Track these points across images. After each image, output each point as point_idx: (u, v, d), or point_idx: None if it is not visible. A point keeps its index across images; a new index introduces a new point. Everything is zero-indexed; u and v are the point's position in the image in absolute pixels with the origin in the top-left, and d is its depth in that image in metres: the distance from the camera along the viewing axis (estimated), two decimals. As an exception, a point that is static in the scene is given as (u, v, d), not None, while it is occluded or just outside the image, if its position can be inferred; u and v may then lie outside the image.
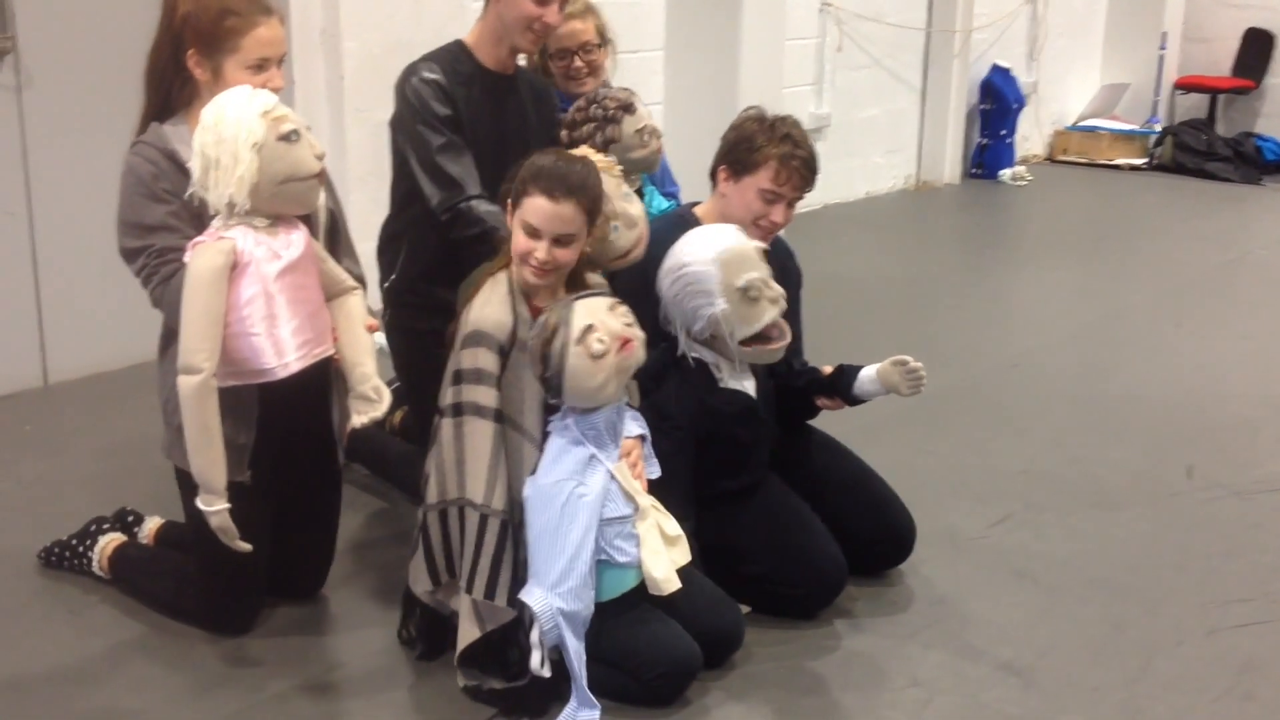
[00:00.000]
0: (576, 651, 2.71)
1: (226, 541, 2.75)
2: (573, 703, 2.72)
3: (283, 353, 2.73)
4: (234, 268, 2.67)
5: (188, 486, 2.95)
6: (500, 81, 3.51)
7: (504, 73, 3.53)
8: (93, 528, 3.33)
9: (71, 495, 3.76)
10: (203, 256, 2.66)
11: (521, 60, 3.68)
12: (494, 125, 3.47)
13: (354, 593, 3.29)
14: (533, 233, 2.79)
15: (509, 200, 2.87)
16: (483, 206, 3.31)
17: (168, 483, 3.05)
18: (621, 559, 2.79)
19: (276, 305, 2.71)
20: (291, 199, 2.74)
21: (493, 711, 2.76)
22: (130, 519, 3.44)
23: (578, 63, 3.87)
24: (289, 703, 2.82)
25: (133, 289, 2.96)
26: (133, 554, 3.27)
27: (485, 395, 2.77)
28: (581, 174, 2.84)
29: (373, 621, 3.15)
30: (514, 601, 2.75)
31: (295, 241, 2.77)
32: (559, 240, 2.79)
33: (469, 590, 2.76)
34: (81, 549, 3.29)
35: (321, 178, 2.79)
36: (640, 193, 3.57)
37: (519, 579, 2.77)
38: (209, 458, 2.69)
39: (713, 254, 3.00)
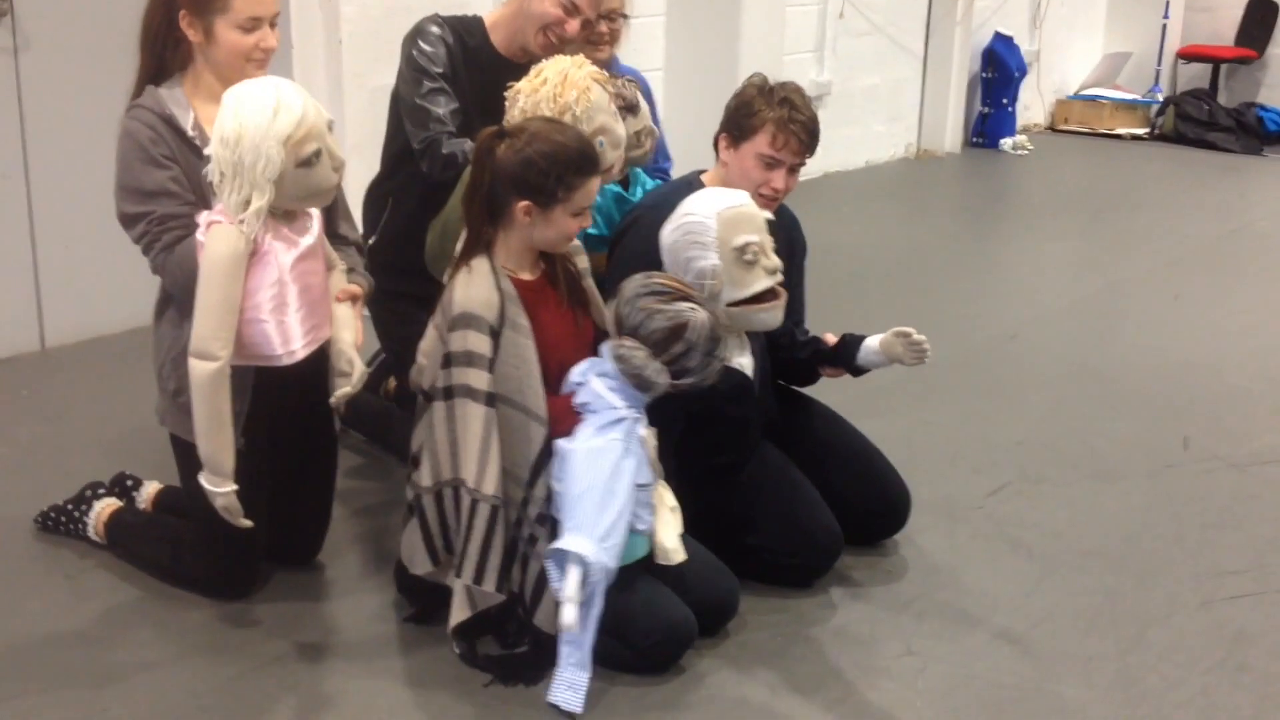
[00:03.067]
0: (601, 612, 2.70)
1: (231, 520, 2.76)
2: (573, 664, 2.69)
3: (289, 340, 2.74)
4: (252, 254, 2.66)
5: (183, 453, 2.96)
6: (504, 66, 3.50)
7: (510, 58, 3.52)
8: (88, 493, 3.33)
9: (69, 459, 3.76)
10: (223, 242, 2.64)
11: None
12: (483, 102, 3.45)
13: (350, 558, 3.29)
14: (581, 212, 2.83)
15: (540, 197, 2.77)
16: (454, 141, 3.34)
17: (165, 447, 3.05)
18: (640, 526, 2.79)
19: (288, 294, 2.72)
20: (307, 203, 2.76)
21: (488, 678, 2.77)
22: (129, 483, 3.44)
23: (602, 27, 3.86)
24: (285, 667, 2.82)
25: (130, 253, 2.95)
26: (129, 519, 3.27)
27: (476, 378, 2.74)
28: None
29: (369, 587, 3.16)
30: (502, 586, 2.75)
31: (310, 228, 2.78)
32: None
33: (459, 574, 2.76)
34: (77, 514, 3.29)
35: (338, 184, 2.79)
36: (626, 179, 3.56)
37: (508, 562, 2.77)
38: (219, 442, 2.69)
39: (716, 208, 2.98)
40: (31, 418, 4.16)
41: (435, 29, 3.46)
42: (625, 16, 3.96)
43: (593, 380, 2.79)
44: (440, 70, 3.41)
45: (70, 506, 3.32)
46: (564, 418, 2.79)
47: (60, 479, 3.50)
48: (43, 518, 3.36)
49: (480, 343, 2.74)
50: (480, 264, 2.80)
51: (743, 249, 2.95)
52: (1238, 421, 4.46)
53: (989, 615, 3.13)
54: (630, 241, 3.24)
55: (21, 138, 4.59)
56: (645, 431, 2.80)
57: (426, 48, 3.43)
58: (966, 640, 3.02)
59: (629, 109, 3.36)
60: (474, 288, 2.76)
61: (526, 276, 2.85)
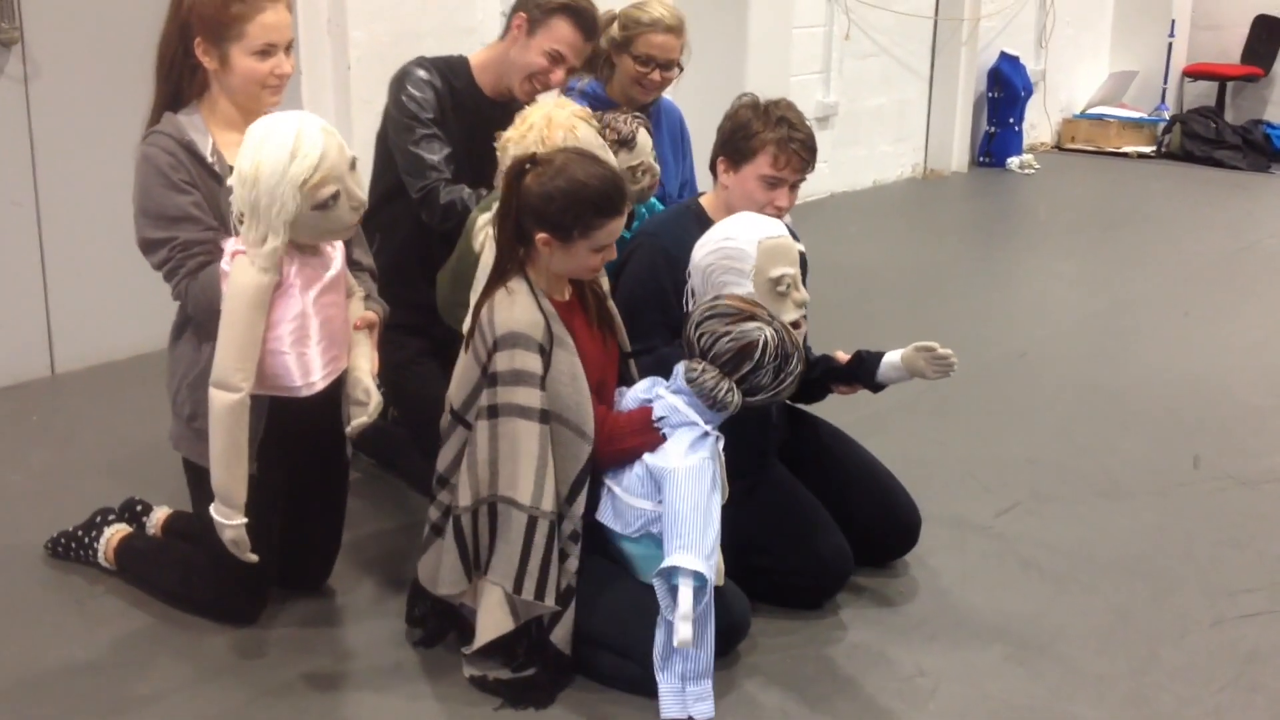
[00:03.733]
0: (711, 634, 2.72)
1: (237, 554, 2.76)
2: (692, 678, 2.71)
3: (309, 372, 2.75)
4: (275, 287, 2.67)
5: (196, 478, 2.97)
6: (491, 107, 3.51)
7: (496, 99, 3.54)
8: (98, 519, 3.33)
9: (79, 485, 3.77)
10: (248, 273, 2.64)
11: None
12: (470, 145, 3.47)
13: (361, 583, 3.29)
14: (603, 249, 2.82)
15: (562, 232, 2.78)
16: (451, 189, 3.37)
17: (175, 472, 3.06)
18: None
19: (310, 326, 2.73)
20: (324, 239, 2.76)
21: (499, 702, 2.77)
22: (139, 508, 3.44)
23: (656, 75, 3.87)
24: (296, 693, 2.82)
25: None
26: (139, 545, 3.27)
27: (528, 396, 2.72)
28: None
29: (379, 612, 3.15)
30: (563, 599, 2.76)
31: (334, 260, 2.79)
32: None
33: (518, 591, 2.73)
34: (87, 540, 3.29)
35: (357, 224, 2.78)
36: (632, 215, 3.57)
37: (559, 575, 2.77)
38: (234, 474, 2.69)
39: (757, 237, 2.98)
40: (42, 443, 4.18)
41: (422, 73, 3.47)
42: (680, 68, 3.96)
43: (668, 396, 2.81)
44: (430, 115, 3.42)
45: (80, 532, 3.32)
46: (636, 432, 2.81)
47: (71, 504, 3.50)
48: (52, 544, 3.36)
49: (531, 361, 2.73)
50: (519, 285, 2.79)
51: (778, 280, 2.97)
52: (1248, 439, 4.45)
53: (1000, 635, 3.12)
54: (633, 268, 3.25)
55: (31, 165, 4.61)
56: (721, 458, 2.82)
57: (415, 92, 3.43)
58: (978, 660, 3.01)
59: (623, 144, 3.35)
60: (517, 308, 2.76)
61: (558, 298, 2.86)
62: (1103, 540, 3.64)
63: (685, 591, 2.62)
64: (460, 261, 3.19)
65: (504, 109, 3.44)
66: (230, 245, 2.71)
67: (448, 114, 3.45)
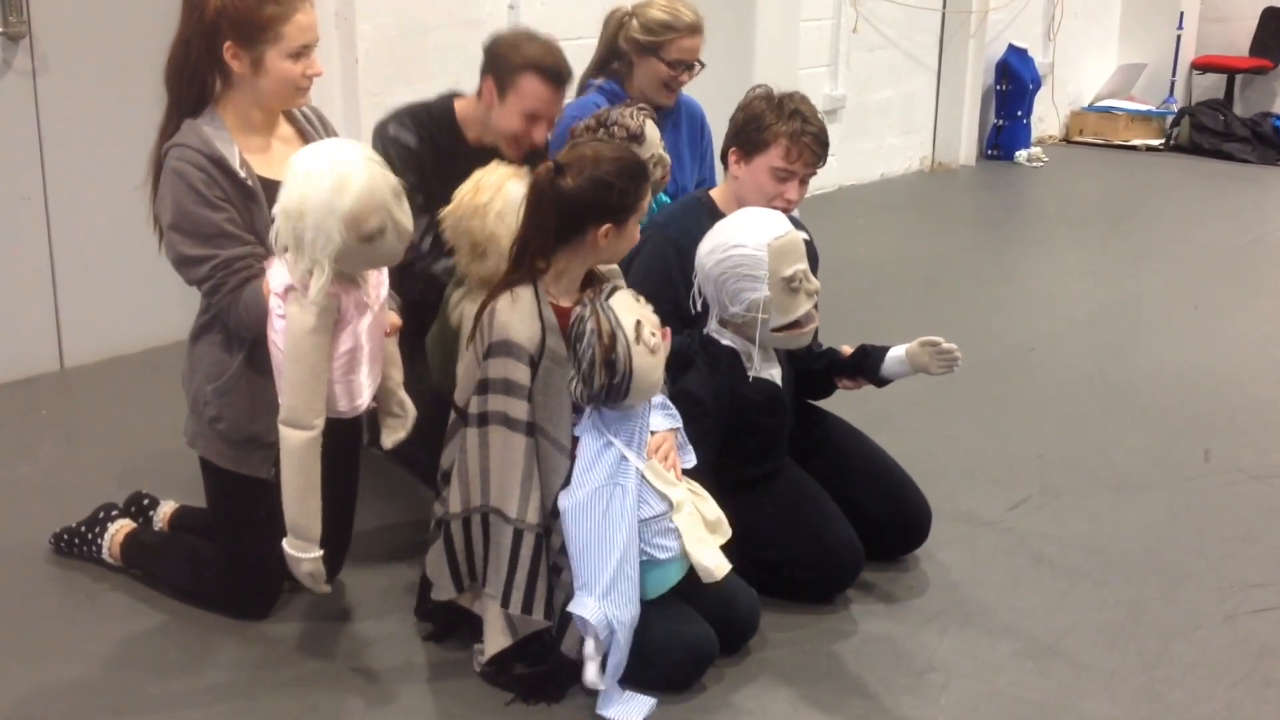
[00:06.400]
0: (620, 662, 2.69)
1: (312, 586, 2.76)
2: (613, 697, 2.72)
3: (354, 397, 2.75)
4: (335, 323, 2.66)
5: (212, 475, 2.97)
6: (476, 156, 3.40)
7: (481, 148, 3.46)
8: (101, 515, 3.32)
9: (88, 479, 3.77)
10: (306, 317, 2.60)
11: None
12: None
13: (370, 577, 3.29)
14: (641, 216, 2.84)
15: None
16: (425, 259, 3.32)
17: (183, 466, 3.06)
18: (663, 556, 2.77)
19: (361, 355, 2.72)
20: (371, 269, 2.73)
21: (510, 697, 2.76)
22: (145, 502, 3.43)
23: (685, 77, 3.85)
24: (306, 687, 2.82)
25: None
26: (146, 540, 3.27)
27: (516, 408, 2.72)
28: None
29: (390, 607, 3.15)
30: (550, 613, 2.75)
31: (383, 284, 2.78)
32: None
33: (505, 605, 2.73)
34: (91, 536, 3.28)
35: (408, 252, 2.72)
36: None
37: (553, 588, 2.77)
38: (308, 508, 2.68)
39: (766, 239, 2.97)
40: (51, 437, 4.18)
41: (401, 134, 3.40)
42: (702, 65, 3.94)
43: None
44: (410, 180, 3.35)
45: (84, 528, 3.31)
46: None
47: (79, 499, 3.49)
48: (56, 539, 3.36)
49: (520, 372, 2.72)
50: (524, 292, 2.76)
51: (791, 279, 2.98)
52: (1259, 433, 4.44)
53: (1011, 630, 3.11)
54: (644, 260, 3.25)
55: (40, 159, 4.61)
56: (642, 464, 2.76)
57: (393, 155, 3.32)
58: (989, 655, 3.00)
59: (633, 139, 3.34)
60: (516, 315, 2.73)
61: (566, 303, 2.84)
62: (1113, 535, 3.63)
63: (589, 642, 2.67)
64: (443, 335, 3.18)
65: (489, 155, 3.37)
66: (281, 282, 2.65)
67: (428, 170, 3.36)
